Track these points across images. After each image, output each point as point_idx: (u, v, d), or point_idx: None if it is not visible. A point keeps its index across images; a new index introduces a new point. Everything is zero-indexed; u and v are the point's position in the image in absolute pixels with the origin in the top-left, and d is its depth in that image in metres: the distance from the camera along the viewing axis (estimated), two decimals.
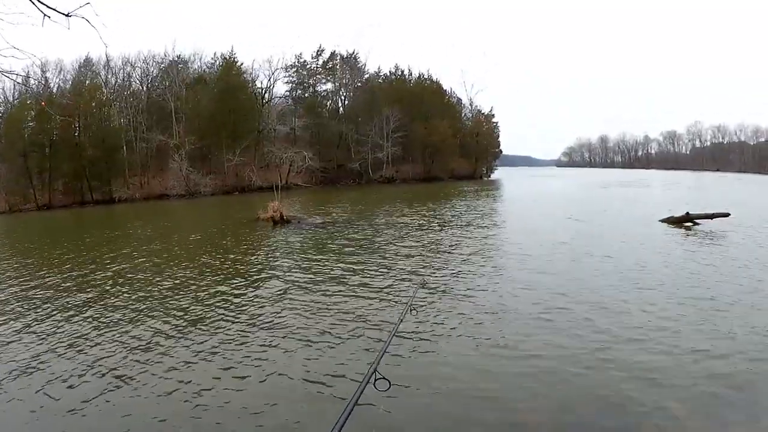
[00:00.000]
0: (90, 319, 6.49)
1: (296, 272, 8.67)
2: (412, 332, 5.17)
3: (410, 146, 49.91)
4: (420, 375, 4.23)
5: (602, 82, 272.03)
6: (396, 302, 6.50)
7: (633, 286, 6.77)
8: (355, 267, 8.79)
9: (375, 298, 6.77)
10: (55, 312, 6.93)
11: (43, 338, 5.79)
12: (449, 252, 9.88)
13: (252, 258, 10.49)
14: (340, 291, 7.19)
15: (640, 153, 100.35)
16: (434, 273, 8.05)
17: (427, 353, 4.71)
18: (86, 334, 5.87)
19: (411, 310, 3.31)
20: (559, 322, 5.43)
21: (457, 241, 11.10)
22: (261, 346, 5.16)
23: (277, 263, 9.67)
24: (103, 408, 3.99)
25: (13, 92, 48.16)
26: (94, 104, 46.90)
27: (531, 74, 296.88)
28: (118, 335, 5.77)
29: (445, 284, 7.31)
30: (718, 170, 71.76)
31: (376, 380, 1.89)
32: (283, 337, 5.38)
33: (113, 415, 3.86)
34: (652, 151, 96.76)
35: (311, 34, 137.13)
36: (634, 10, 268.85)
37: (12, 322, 6.59)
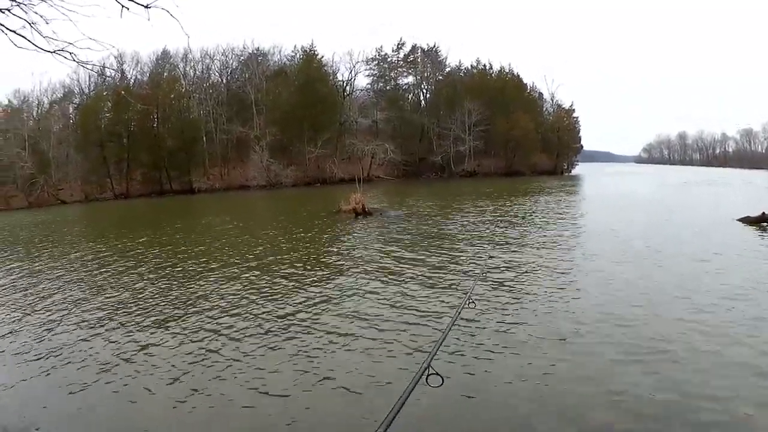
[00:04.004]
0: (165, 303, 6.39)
1: (378, 264, 8.28)
2: (475, 327, 4.81)
3: (492, 140, 47.76)
4: (477, 372, 3.89)
5: (673, 81, 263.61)
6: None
7: (705, 288, 6.03)
8: (440, 260, 8.30)
9: (450, 292, 6.24)
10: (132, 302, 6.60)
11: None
12: (526, 248, 9.26)
13: (335, 248, 10.22)
14: (420, 283, 6.78)
15: (717, 151, 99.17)
16: (506, 269, 7.39)
17: (486, 350, 4.30)
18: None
19: (469, 303, 3.11)
20: (628, 324, 4.82)
21: (538, 238, 10.51)
22: (328, 333, 4.92)
23: (359, 254, 9.28)
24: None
25: (89, 84, 47.21)
26: (172, 96, 46.06)
27: (601, 73, 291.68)
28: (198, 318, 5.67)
29: (512, 281, 6.68)
30: None
31: (428, 376, 1.82)
32: (358, 328, 5.06)
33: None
34: (730, 149, 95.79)
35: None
36: (703, 8, 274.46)
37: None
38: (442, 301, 5.88)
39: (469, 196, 23.73)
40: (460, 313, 2.97)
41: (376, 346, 4.56)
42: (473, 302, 3.27)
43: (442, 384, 1.81)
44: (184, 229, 15.28)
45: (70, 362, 4.59)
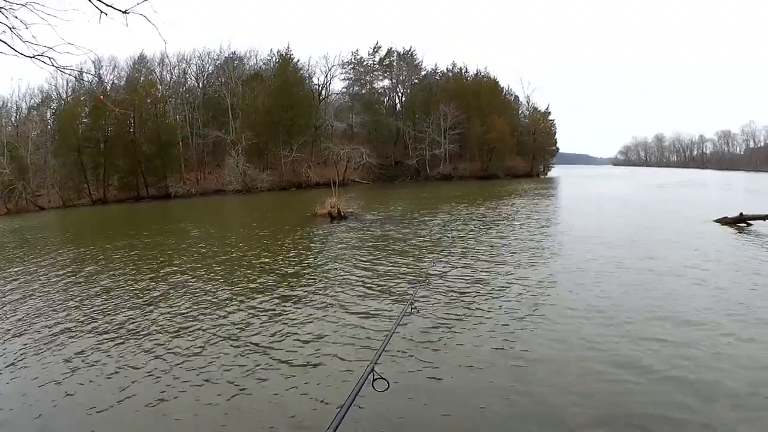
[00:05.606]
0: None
1: (348, 267, 8.49)
2: (419, 333, 4.91)
3: (467, 143, 47.88)
4: (422, 375, 3.99)
5: (658, 76, 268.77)
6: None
7: (681, 288, 6.24)
8: (408, 262, 8.63)
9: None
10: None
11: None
12: (498, 250, 9.40)
13: (308, 252, 10.41)
14: (390, 287, 6.91)
15: (695, 152, 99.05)
16: (471, 271, 7.53)
17: (431, 353, 4.42)
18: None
19: (412, 309, 3.18)
20: (584, 325, 4.96)
21: (508, 239, 10.72)
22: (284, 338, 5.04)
23: (332, 257, 9.53)
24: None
25: (66, 89, 47.59)
26: (149, 100, 46.50)
27: (589, 67, 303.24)
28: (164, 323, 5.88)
29: (474, 283, 6.78)
30: None
31: (374, 380, 1.81)
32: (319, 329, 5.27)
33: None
34: (707, 151, 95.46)
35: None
36: (689, 7, 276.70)
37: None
38: (395, 306, 5.93)
39: (443, 199, 23.98)
40: (401, 318, 2.98)
41: (330, 353, 4.58)
42: (416, 308, 3.48)
43: (388, 388, 1.82)
44: (155, 235, 15.17)
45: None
